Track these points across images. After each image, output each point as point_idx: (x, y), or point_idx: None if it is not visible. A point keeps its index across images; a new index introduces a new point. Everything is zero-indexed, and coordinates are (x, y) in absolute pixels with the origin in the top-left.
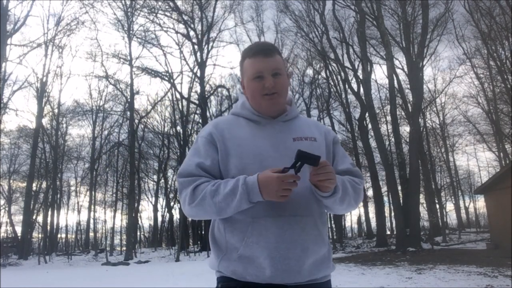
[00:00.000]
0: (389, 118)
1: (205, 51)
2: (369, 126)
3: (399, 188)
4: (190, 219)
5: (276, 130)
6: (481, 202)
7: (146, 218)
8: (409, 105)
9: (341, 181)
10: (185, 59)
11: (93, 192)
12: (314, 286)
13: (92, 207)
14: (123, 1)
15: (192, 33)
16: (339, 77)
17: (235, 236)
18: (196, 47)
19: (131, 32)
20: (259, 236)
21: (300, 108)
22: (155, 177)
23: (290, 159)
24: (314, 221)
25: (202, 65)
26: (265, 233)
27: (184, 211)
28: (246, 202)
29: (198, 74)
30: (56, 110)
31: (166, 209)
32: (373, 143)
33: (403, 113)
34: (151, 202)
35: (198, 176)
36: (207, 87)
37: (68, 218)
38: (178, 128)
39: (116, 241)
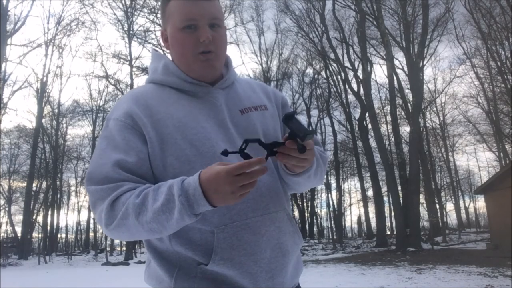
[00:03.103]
0: (389, 118)
1: None
2: (369, 126)
3: (399, 188)
4: None
5: (219, 101)
6: (481, 202)
7: None
8: (409, 105)
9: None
10: None
11: None
12: None
13: None
14: (123, 1)
15: None
16: (339, 77)
17: (189, 250)
18: None
19: (131, 32)
20: (231, 250)
21: (300, 108)
22: None
23: (240, 141)
24: (288, 214)
25: None
26: (237, 244)
27: (104, 232)
28: (190, 217)
29: None
30: (56, 110)
31: None
32: (373, 143)
33: (403, 113)
34: None
35: (118, 181)
36: None
37: (68, 218)
38: None
39: (116, 241)
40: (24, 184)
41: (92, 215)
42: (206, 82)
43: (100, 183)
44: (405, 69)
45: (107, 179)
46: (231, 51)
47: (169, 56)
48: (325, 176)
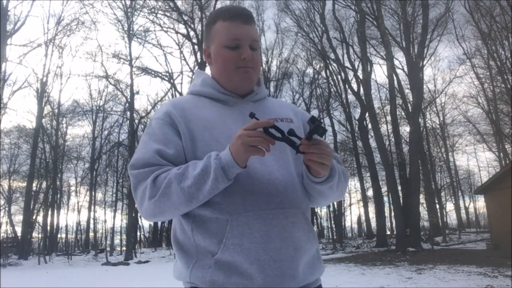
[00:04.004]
0: (389, 118)
1: None
2: (369, 126)
3: (399, 188)
4: None
5: (247, 110)
6: (481, 202)
7: None
8: (409, 105)
9: (336, 163)
10: (185, 59)
11: (93, 192)
12: None
13: (92, 207)
14: (123, 1)
15: (192, 33)
16: (339, 77)
17: (207, 239)
18: (196, 47)
19: (131, 32)
20: (241, 237)
21: (300, 108)
22: None
23: None
24: (303, 214)
25: (202, 65)
26: (248, 231)
27: (142, 212)
28: (223, 178)
29: None
30: (56, 110)
31: None
32: (373, 143)
33: (403, 113)
34: None
35: (158, 165)
36: None
37: (68, 218)
38: None
39: (116, 241)
40: (24, 184)
41: (91, 215)
42: (238, 94)
43: (142, 167)
44: (405, 69)
45: (148, 164)
46: None
47: (208, 72)
48: (344, 194)
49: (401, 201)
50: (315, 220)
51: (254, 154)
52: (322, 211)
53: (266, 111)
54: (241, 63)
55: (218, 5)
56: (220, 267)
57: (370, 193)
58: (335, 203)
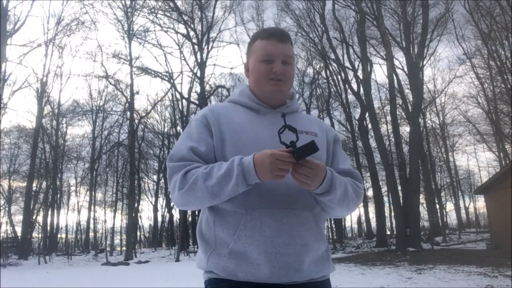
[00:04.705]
0: (389, 118)
1: (205, 51)
2: (369, 126)
3: (399, 188)
4: (190, 218)
5: (276, 119)
6: (481, 202)
7: (146, 218)
8: (409, 105)
9: (342, 181)
10: (185, 59)
11: (93, 192)
12: (313, 285)
13: (92, 207)
14: (123, 1)
15: (192, 33)
16: (339, 77)
17: (225, 230)
18: (196, 47)
19: (131, 32)
20: (253, 230)
21: (300, 108)
22: (155, 177)
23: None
24: (314, 216)
25: (202, 65)
26: (259, 226)
27: (173, 199)
28: (243, 184)
29: (198, 74)
30: (56, 110)
31: (166, 209)
32: (373, 143)
33: (403, 113)
34: (151, 202)
35: (191, 161)
36: (207, 87)
37: (68, 218)
38: (178, 128)
39: (116, 241)
40: (24, 184)
41: (91, 215)
42: (272, 106)
43: (177, 161)
44: (405, 69)
45: (183, 158)
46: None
47: (247, 83)
48: (355, 209)
49: (401, 201)
50: None
51: (275, 179)
52: None
53: (293, 122)
54: (273, 75)
55: (218, 6)
56: (233, 256)
57: (370, 193)
58: None
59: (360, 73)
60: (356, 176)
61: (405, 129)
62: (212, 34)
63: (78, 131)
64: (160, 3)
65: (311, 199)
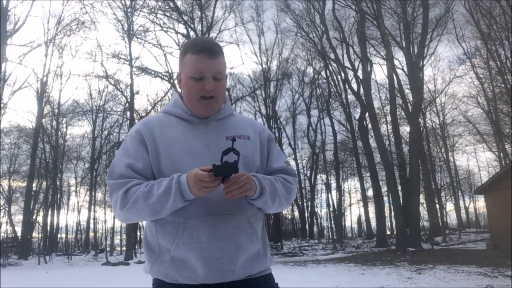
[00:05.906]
0: (389, 118)
1: None
2: (369, 126)
3: (399, 188)
4: None
5: (209, 129)
6: (481, 202)
7: None
8: (409, 105)
9: (269, 182)
10: None
11: (93, 192)
12: (251, 281)
13: (92, 207)
14: (123, 1)
15: (192, 33)
16: (339, 77)
17: (166, 238)
18: None
19: (131, 32)
20: (190, 237)
21: (300, 108)
22: None
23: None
24: (248, 219)
25: None
26: (196, 233)
27: (115, 215)
28: (181, 200)
29: None
30: (56, 110)
31: None
32: (373, 143)
33: (403, 113)
34: None
35: (129, 177)
36: None
37: (68, 218)
38: None
39: (116, 241)
40: (24, 184)
41: (91, 215)
42: (205, 116)
43: (116, 178)
44: (405, 69)
45: (121, 176)
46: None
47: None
48: (292, 201)
49: (401, 201)
50: (315, 220)
51: (207, 195)
52: (322, 211)
53: (226, 128)
54: (204, 93)
55: (218, 6)
56: (174, 262)
57: (370, 193)
58: (335, 203)
59: (360, 73)
60: (290, 171)
61: (405, 129)
62: (212, 34)
63: (78, 131)
64: (160, 3)
65: (245, 203)
